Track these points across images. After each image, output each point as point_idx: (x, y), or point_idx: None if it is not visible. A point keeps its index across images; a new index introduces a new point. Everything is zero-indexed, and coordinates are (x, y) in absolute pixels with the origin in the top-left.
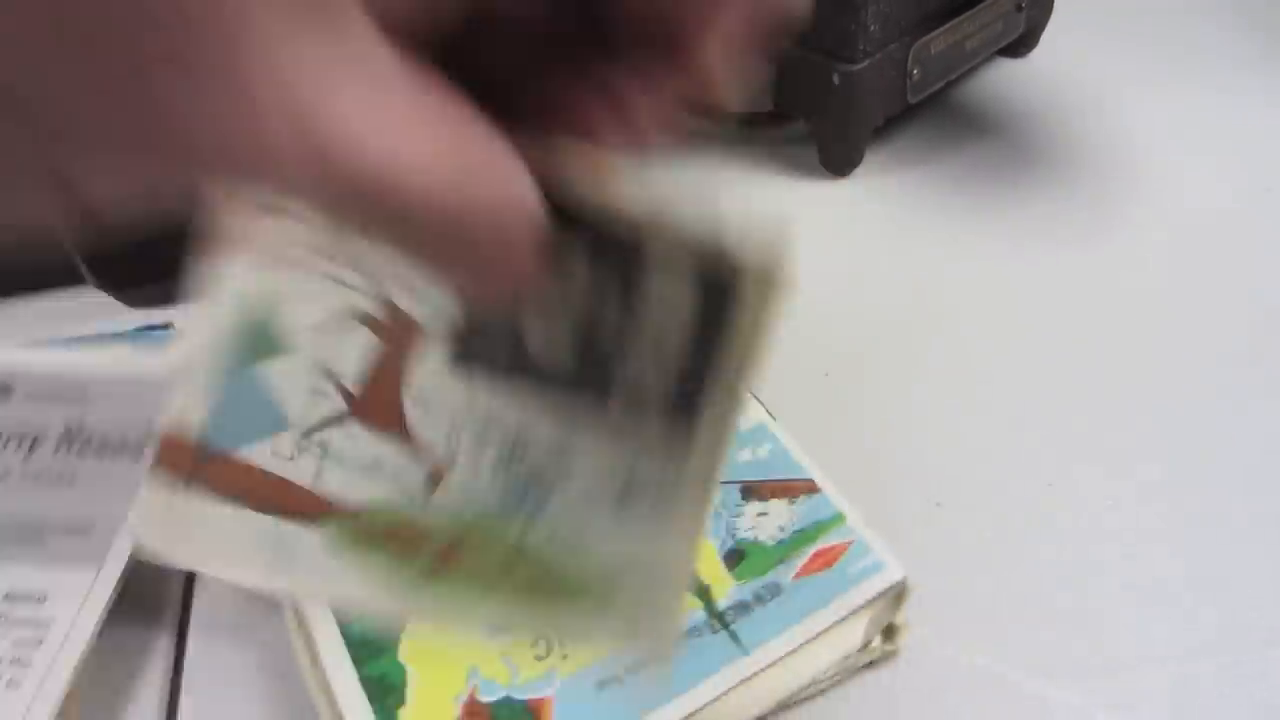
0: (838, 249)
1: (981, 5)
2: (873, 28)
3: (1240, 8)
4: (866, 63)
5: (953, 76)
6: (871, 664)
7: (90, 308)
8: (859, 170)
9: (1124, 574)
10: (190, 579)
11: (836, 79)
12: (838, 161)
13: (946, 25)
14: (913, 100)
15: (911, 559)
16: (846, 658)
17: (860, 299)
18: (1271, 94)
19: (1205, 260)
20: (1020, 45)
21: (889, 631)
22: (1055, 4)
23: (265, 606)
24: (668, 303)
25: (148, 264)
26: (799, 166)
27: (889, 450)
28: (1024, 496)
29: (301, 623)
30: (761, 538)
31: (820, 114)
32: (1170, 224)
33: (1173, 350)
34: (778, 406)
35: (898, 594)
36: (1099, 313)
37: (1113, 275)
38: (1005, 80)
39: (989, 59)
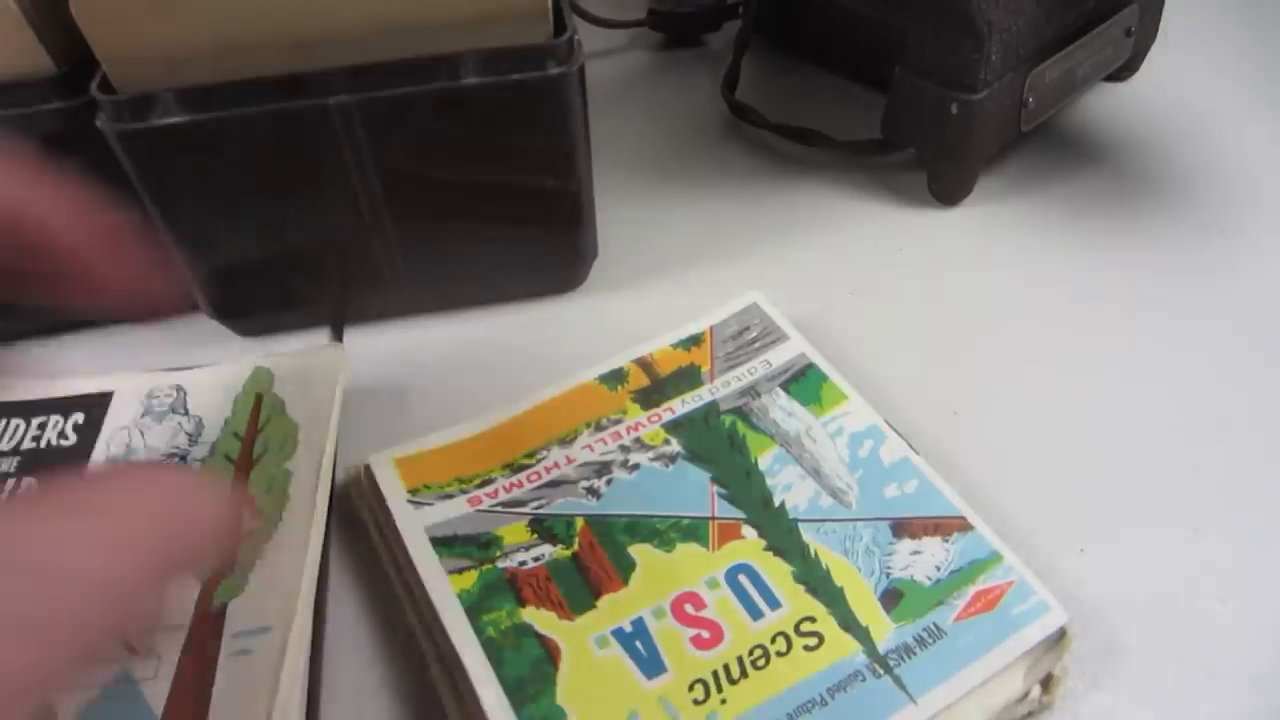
0: (951, 281)
1: (1094, 32)
2: (995, 57)
3: None
4: (986, 92)
5: (1063, 104)
6: (1029, 715)
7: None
8: (967, 199)
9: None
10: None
11: (955, 108)
12: (949, 191)
13: (1061, 53)
14: (1025, 129)
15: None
16: (1006, 708)
17: (980, 334)
18: None
19: None
20: (1124, 70)
21: (1048, 682)
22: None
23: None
24: None
25: (260, 295)
26: (906, 195)
27: (1024, 491)
28: (1172, 540)
29: (451, 669)
30: (918, 577)
31: (935, 144)
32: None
33: None
34: None
35: (1059, 640)
36: (1226, 341)
37: (1238, 302)
38: (1108, 105)
39: (1094, 84)
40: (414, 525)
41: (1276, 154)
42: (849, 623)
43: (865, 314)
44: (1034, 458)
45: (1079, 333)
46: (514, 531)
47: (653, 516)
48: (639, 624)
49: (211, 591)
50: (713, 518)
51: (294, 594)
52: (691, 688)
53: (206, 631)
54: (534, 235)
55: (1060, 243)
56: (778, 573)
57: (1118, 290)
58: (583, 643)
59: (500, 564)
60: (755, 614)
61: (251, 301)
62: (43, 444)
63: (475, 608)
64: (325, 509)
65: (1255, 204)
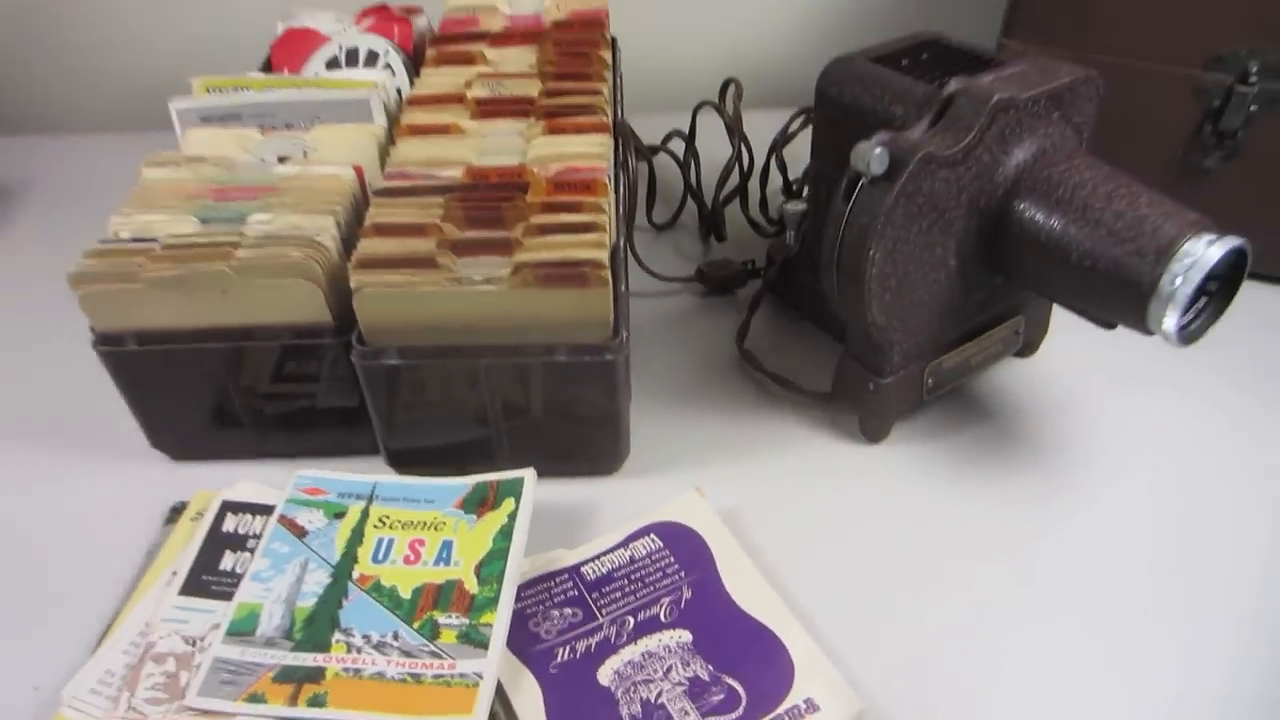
0: (864, 497)
1: (984, 335)
2: (897, 358)
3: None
4: (893, 378)
5: (961, 382)
6: None
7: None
8: (889, 439)
9: None
10: None
11: (871, 386)
12: (872, 434)
13: (955, 350)
14: (927, 399)
15: None
16: None
17: (884, 544)
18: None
19: (1149, 528)
20: (1024, 350)
21: None
22: (1052, 322)
23: None
24: None
25: (423, 457)
26: (845, 432)
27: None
28: None
29: None
30: None
31: (861, 404)
32: (1129, 502)
33: (1136, 593)
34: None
35: None
36: (1073, 568)
37: (1086, 536)
38: (1009, 375)
39: (993, 366)
40: None
41: (1124, 426)
42: None
43: (795, 511)
44: (914, 652)
45: (962, 551)
46: None
47: None
48: None
49: None
50: None
51: None
52: None
53: None
54: (588, 440)
55: (945, 479)
56: None
57: (991, 519)
58: None
59: None
60: None
61: (417, 460)
62: None
63: None
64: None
65: (1111, 461)
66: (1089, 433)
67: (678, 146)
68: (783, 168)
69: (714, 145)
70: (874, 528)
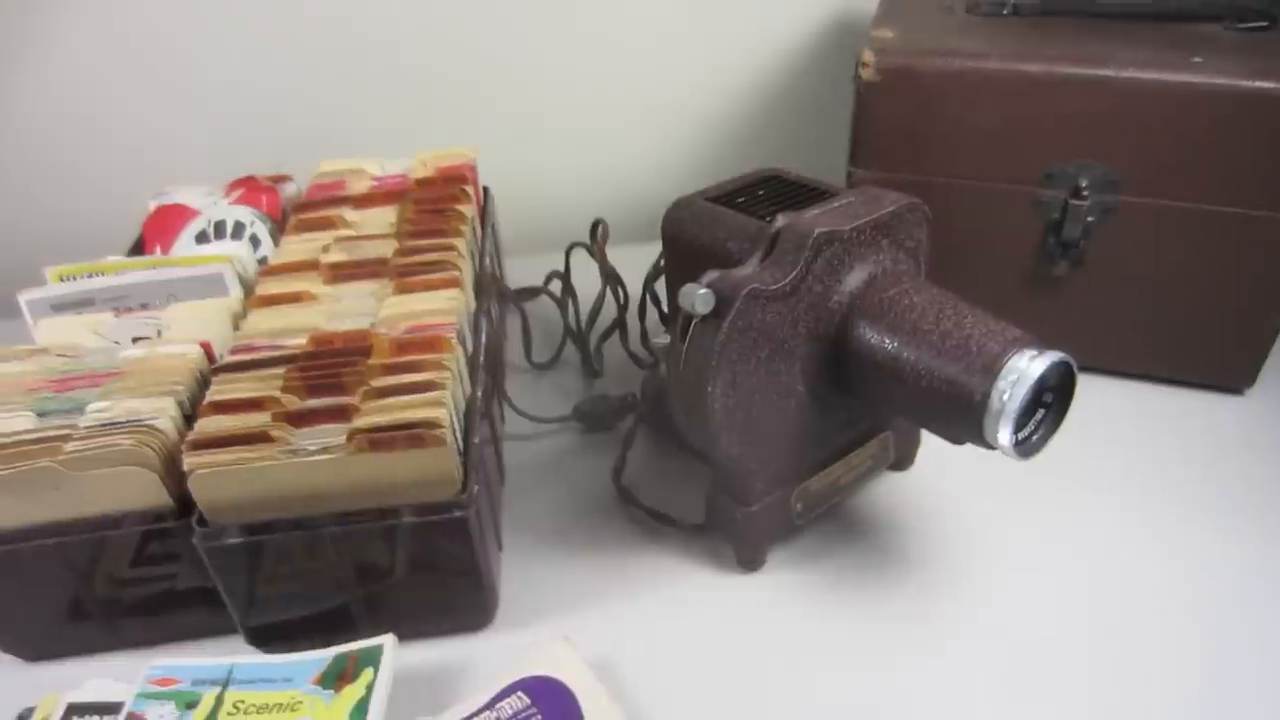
0: (744, 631)
1: (851, 454)
2: (760, 485)
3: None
4: (758, 505)
5: (833, 502)
6: None
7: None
8: (767, 566)
9: None
10: None
11: (739, 515)
12: (747, 563)
13: (821, 472)
14: (799, 524)
15: None
16: None
17: (761, 677)
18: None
19: (1028, 638)
20: (898, 464)
21: None
22: (924, 434)
23: None
24: None
25: (284, 630)
26: (723, 562)
27: None
28: None
29: None
30: None
31: (732, 534)
32: (1008, 613)
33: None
34: None
35: None
36: (954, 685)
37: (966, 650)
38: (884, 490)
39: (865, 483)
40: None
41: (1001, 535)
42: None
43: (670, 651)
44: None
45: (832, 673)
46: None
47: None
48: None
49: None
50: None
51: None
52: None
53: None
54: (452, 597)
55: (823, 604)
56: None
57: (860, 646)
58: None
59: None
60: None
61: (278, 635)
62: None
63: None
64: None
65: (985, 580)
66: (967, 544)
67: (559, 288)
68: (656, 301)
69: (595, 284)
70: (751, 660)
